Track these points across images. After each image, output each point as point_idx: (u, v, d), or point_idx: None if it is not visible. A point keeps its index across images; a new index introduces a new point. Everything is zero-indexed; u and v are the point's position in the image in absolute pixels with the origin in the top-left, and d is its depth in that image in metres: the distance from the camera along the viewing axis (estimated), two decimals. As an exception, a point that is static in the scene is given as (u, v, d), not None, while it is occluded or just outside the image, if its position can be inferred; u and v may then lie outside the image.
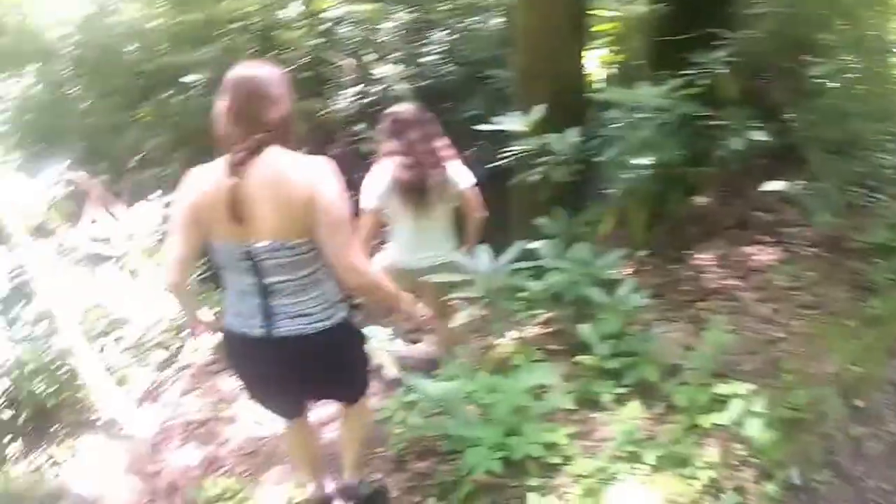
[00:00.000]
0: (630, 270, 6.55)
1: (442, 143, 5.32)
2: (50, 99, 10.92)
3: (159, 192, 9.32)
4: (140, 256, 8.54)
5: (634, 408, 4.69)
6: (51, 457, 6.52)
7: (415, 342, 6.79)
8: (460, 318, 5.49)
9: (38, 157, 10.08)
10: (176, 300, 3.71)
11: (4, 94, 11.12)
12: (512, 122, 6.40)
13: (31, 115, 10.86)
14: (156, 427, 6.79)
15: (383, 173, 5.28)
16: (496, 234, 5.67)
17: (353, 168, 6.34)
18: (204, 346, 8.46)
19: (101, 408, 6.96)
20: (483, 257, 5.24)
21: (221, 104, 3.20)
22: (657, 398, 4.81)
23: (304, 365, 3.45)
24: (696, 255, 6.94)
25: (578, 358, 5.17)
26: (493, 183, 6.63)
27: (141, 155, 10.00)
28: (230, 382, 7.51)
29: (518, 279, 5.35)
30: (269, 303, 3.28)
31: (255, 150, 3.11)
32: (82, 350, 6.85)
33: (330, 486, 4.45)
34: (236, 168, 3.08)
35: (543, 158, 6.27)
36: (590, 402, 4.94)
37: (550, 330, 5.84)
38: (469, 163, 5.63)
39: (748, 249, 6.88)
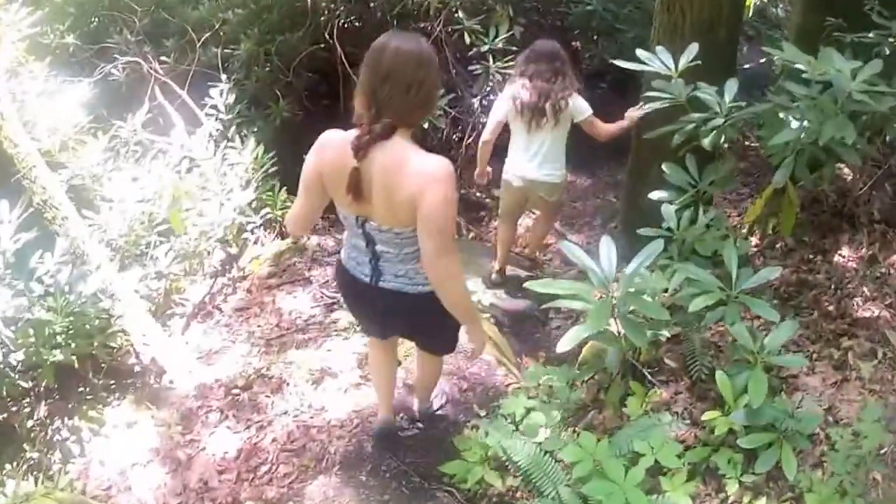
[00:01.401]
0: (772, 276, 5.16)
1: (568, 78, 5.98)
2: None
3: (224, 78, 8.07)
4: (201, 149, 7.47)
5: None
6: (73, 432, 5.46)
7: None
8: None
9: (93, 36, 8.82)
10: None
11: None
12: (658, 62, 5.23)
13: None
14: (196, 377, 5.90)
15: (511, 93, 6.04)
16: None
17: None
18: (265, 255, 7.41)
19: (139, 351, 6.00)
20: (605, 251, 4.14)
21: (362, 76, 3.12)
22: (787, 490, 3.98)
23: (401, 314, 3.68)
24: (839, 253, 5.64)
25: (710, 417, 4.16)
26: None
27: (210, 32, 8.51)
28: (289, 301, 6.96)
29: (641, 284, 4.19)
30: (377, 263, 3.46)
31: (382, 136, 3.05)
32: (118, 282, 5.70)
33: (386, 421, 4.69)
34: (360, 151, 3.05)
35: (696, 115, 4.97)
36: (710, 479, 4.11)
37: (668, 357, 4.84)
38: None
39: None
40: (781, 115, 4.57)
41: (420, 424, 4.99)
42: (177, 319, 6.93)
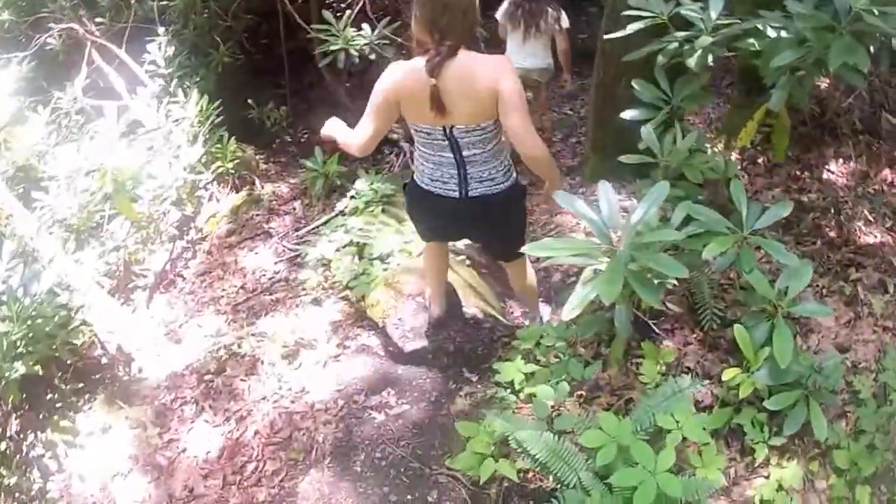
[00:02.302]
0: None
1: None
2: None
3: (161, 31, 7.34)
4: (144, 109, 6.88)
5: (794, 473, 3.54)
6: (48, 447, 4.93)
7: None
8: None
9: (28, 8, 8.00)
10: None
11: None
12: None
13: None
14: (166, 363, 5.39)
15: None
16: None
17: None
18: (221, 211, 6.84)
19: (104, 340, 5.49)
20: (605, 198, 3.53)
21: (418, 14, 3.47)
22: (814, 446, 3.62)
23: (486, 218, 3.92)
24: (827, 169, 5.17)
25: (730, 376, 3.65)
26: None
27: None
28: (251, 259, 6.51)
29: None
30: (465, 171, 3.71)
31: (449, 55, 3.40)
32: (73, 270, 5.16)
33: (441, 310, 4.88)
34: (435, 70, 3.38)
35: (678, 35, 4.37)
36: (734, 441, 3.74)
37: (670, 301, 4.36)
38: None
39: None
40: (772, 32, 3.99)
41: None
42: (139, 293, 6.43)
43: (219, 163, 7.27)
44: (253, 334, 5.39)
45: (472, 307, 5.08)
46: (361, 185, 6.63)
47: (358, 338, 5.13)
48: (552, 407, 3.87)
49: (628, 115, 4.75)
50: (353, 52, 6.48)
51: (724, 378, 3.65)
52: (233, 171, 7.35)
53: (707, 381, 3.79)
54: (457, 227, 4.21)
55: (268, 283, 6.31)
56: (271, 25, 8.15)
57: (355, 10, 7.28)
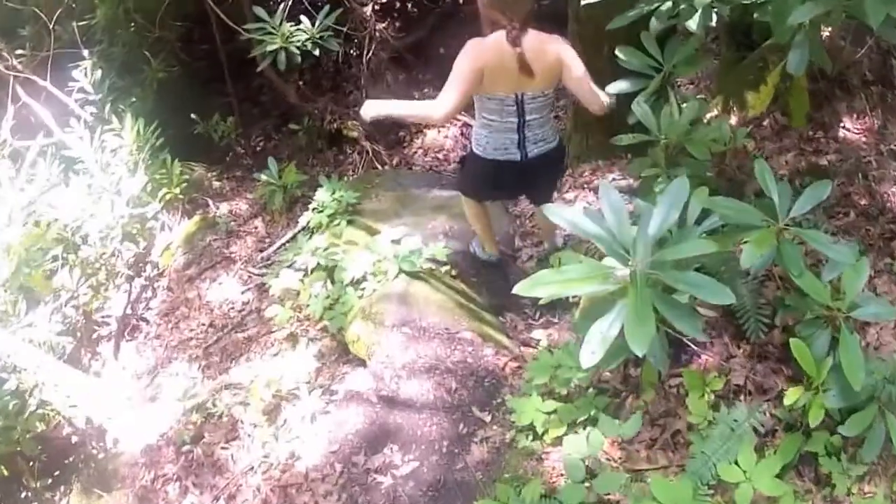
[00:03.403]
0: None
1: None
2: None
3: (86, 54, 6.49)
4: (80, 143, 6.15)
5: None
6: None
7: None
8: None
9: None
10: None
11: None
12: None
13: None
14: (140, 433, 4.65)
15: None
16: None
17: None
18: (175, 242, 6.11)
19: (71, 418, 4.83)
20: (609, 205, 2.71)
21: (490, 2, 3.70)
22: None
23: (541, 174, 4.22)
24: (842, 127, 4.53)
25: (794, 398, 2.94)
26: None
27: (62, 7, 6.82)
28: (216, 291, 5.89)
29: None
30: (524, 135, 3.97)
31: (523, 30, 3.67)
32: (19, 346, 4.49)
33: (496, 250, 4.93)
34: (516, 41, 3.64)
35: None
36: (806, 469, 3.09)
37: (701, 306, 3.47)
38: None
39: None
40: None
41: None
42: (105, 344, 5.84)
43: (165, 189, 6.49)
44: (227, 386, 4.67)
45: (467, 331, 4.36)
46: (323, 196, 5.81)
47: (344, 380, 4.43)
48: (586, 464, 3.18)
49: (615, 88, 4.07)
50: (293, 49, 5.73)
51: (787, 401, 2.96)
52: (182, 196, 6.59)
53: (764, 402, 3.12)
54: (515, 186, 4.46)
55: (237, 316, 5.65)
56: (205, 30, 7.24)
57: (289, 3, 6.52)
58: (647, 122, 3.83)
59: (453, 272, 4.87)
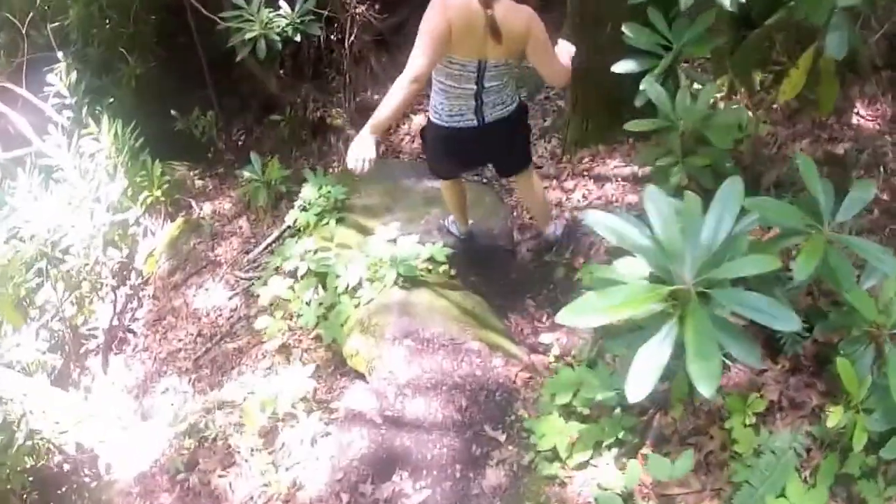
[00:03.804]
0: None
1: None
2: None
3: (61, 56, 6.12)
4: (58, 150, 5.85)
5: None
6: None
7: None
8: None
9: None
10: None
11: None
12: None
13: None
14: (133, 460, 4.40)
15: None
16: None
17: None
18: (159, 247, 5.80)
19: (62, 445, 4.53)
20: (657, 211, 2.35)
21: None
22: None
23: (499, 139, 4.05)
24: (855, 113, 4.24)
25: (836, 420, 2.65)
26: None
27: (34, 10, 6.52)
28: (202, 298, 5.64)
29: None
30: (481, 101, 3.86)
31: None
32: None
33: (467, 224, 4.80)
34: (488, 4, 3.50)
35: None
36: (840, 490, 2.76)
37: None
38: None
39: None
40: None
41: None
42: (93, 359, 5.60)
43: (146, 192, 6.16)
44: (220, 405, 4.37)
45: (473, 341, 4.03)
46: (309, 192, 5.43)
47: (343, 396, 4.13)
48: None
49: (622, 67, 3.78)
50: (273, 36, 5.44)
51: (829, 423, 2.66)
52: (163, 199, 6.26)
53: (801, 421, 2.84)
54: (475, 154, 4.28)
55: (226, 324, 5.38)
56: (182, 22, 6.83)
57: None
58: (662, 105, 3.54)
59: (452, 271, 4.54)
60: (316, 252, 4.84)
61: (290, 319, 4.72)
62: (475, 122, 3.92)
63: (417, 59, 3.57)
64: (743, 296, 2.20)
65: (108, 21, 6.80)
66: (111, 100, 6.63)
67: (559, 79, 3.99)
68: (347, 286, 4.44)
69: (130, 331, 5.74)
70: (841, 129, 4.18)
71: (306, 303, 4.60)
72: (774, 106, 4.35)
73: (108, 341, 5.67)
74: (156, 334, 5.58)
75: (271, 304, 4.84)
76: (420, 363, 3.90)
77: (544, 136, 5.91)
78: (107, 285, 5.81)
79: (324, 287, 4.63)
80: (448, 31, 3.55)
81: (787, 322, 2.15)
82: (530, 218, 5.02)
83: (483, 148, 4.14)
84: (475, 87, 3.80)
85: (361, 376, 4.13)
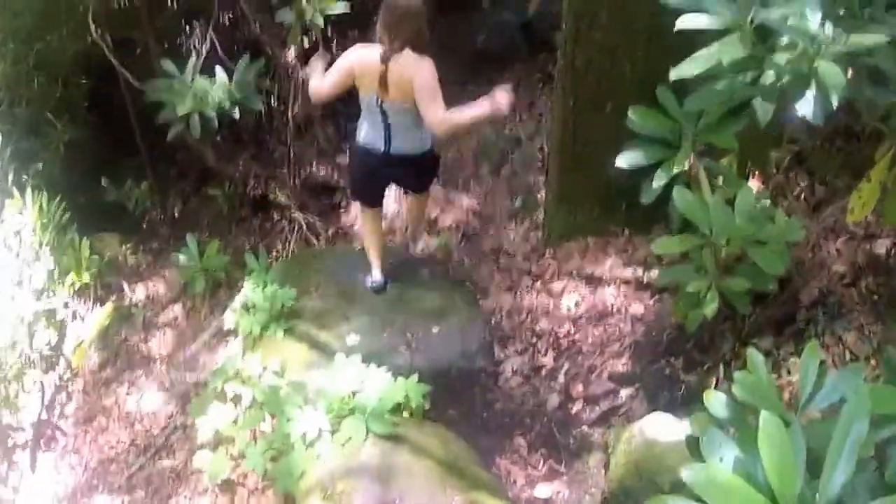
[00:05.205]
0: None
1: None
2: None
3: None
4: None
5: None
6: None
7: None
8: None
9: None
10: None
11: None
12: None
13: None
14: None
15: None
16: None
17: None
18: (88, 337, 5.36)
19: None
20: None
21: (382, 20, 4.07)
22: None
23: (405, 172, 4.59)
24: None
25: None
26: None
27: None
28: (135, 400, 5.24)
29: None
30: (389, 133, 4.32)
31: (396, 51, 4.03)
32: None
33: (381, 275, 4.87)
34: (385, 60, 4.03)
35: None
36: None
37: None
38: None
39: None
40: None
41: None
42: (20, 453, 5.19)
43: (73, 274, 5.67)
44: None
45: (454, 497, 3.55)
46: (252, 291, 4.80)
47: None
48: None
49: (628, 160, 3.49)
50: (209, 113, 5.22)
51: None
52: (92, 282, 5.78)
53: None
54: (384, 174, 4.64)
55: (161, 435, 4.97)
56: (114, 86, 6.30)
57: (203, 54, 5.70)
58: (693, 216, 3.15)
59: (426, 405, 4.04)
60: (261, 376, 4.36)
61: (234, 461, 4.18)
62: (382, 147, 4.39)
63: (329, 78, 4.28)
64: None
65: (36, 81, 6.23)
66: (40, 166, 6.09)
67: (435, 127, 4.14)
68: (304, 435, 3.88)
69: (59, 428, 5.28)
70: (877, 222, 3.74)
71: (252, 442, 4.11)
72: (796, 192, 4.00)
73: (36, 437, 5.24)
74: (86, 435, 5.18)
75: (210, 442, 4.25)
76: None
77: (515, 218, 5.51)
78: (32, 378, 5.33)
79: (273, 423, 4.16)
80: (350, 71, 4.21)
81: None
82: (511, 328, 4.80)
83: (389, 171, 4.59)
84: (381, 117, 4.30)
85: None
